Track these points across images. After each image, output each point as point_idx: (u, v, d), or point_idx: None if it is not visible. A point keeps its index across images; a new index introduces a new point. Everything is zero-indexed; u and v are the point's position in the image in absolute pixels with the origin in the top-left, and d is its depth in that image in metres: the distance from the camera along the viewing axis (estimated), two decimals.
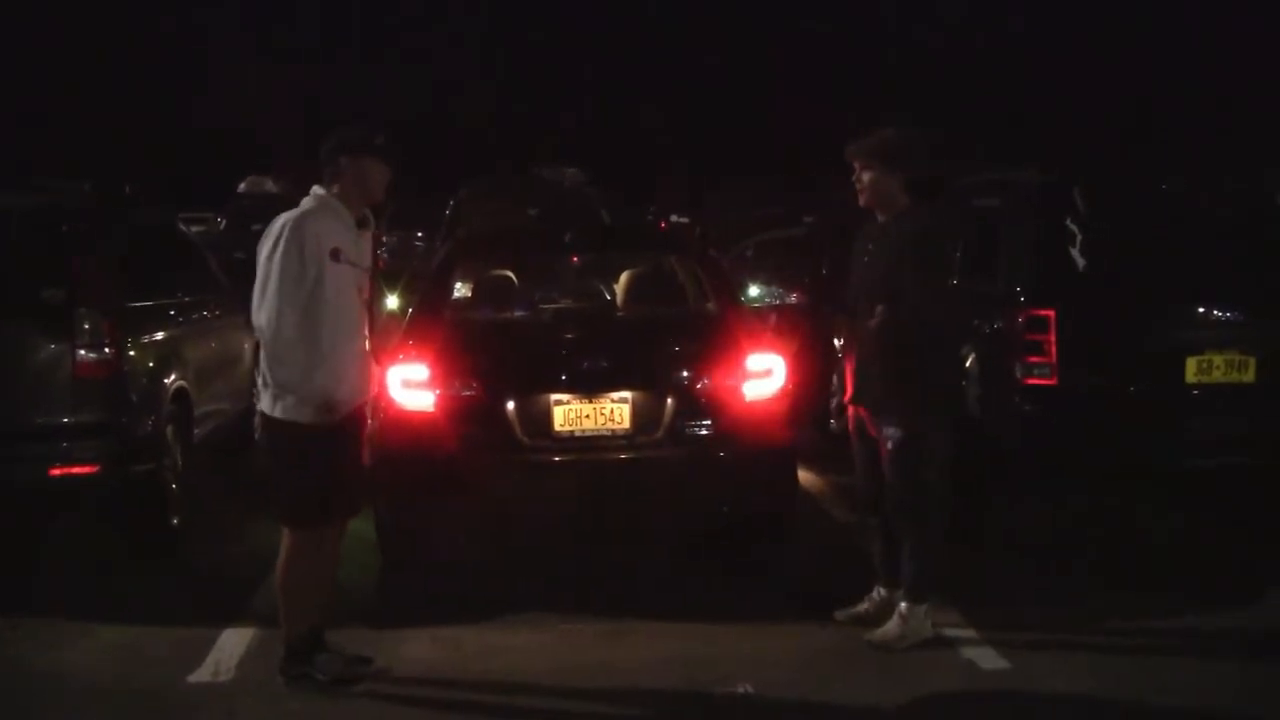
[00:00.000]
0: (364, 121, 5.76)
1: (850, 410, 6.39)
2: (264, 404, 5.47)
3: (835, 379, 6.67)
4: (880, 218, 6.21)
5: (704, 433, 7.01)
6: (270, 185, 22.42)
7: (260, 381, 5.53)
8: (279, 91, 37.84)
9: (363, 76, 41.15)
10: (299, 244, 5.25)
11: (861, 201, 6.23)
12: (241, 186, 23.84)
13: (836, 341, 6.52)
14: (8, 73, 34.59)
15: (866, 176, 6.12)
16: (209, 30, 42.47)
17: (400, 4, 47.09)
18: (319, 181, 5.48)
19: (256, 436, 5.74)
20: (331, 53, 42.27)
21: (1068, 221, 7.72)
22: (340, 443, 5.48)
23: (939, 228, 6.33)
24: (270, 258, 5.26)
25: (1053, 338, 7.45)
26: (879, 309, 6.02)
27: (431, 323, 7.46)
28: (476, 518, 7.04)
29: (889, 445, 6.08)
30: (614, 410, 6.91)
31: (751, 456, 7.00)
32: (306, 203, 5.42)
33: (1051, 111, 32.16)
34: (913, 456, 6.03)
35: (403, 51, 44.77)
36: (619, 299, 8.45)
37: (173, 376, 7.89)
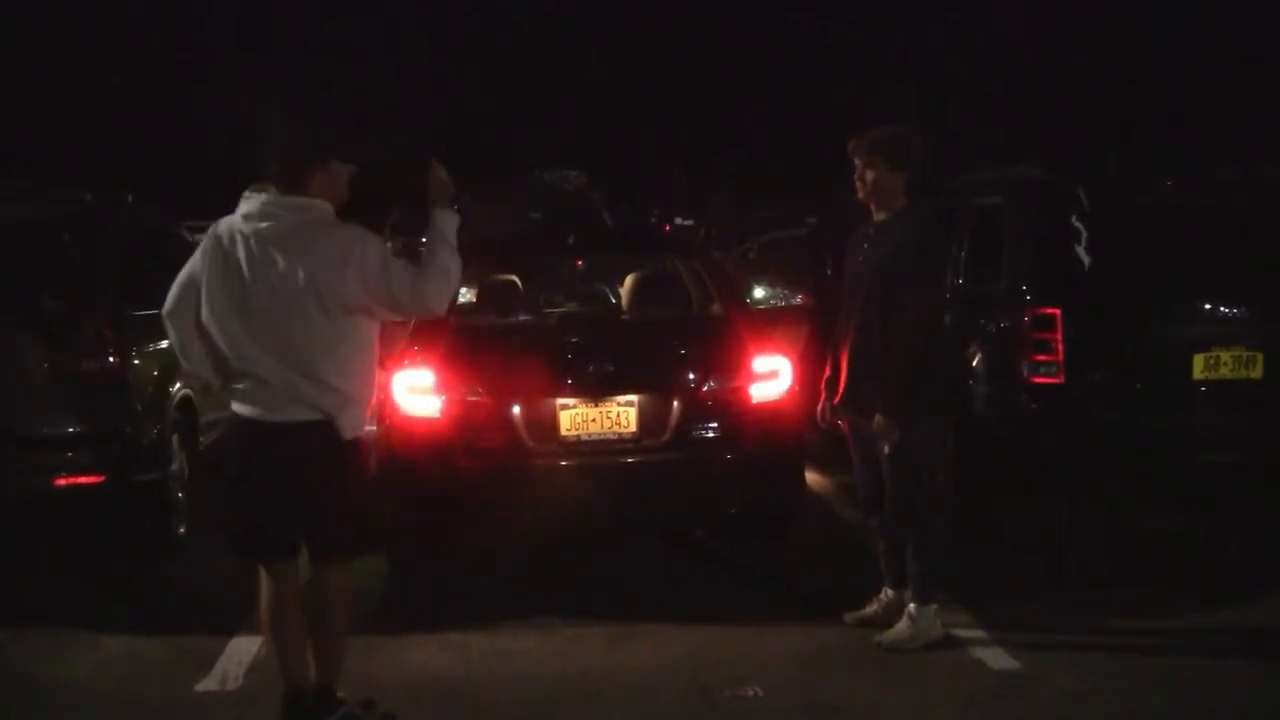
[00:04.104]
0: (316, 119, 5.44)
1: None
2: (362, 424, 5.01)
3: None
4: (877, 216, 6.18)
5: (711, 435, 7.01)
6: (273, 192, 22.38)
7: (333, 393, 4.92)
8: (282, 96, 37.85)
9: (364, 79, 41.12)
10: None
11: (860, 196, 6.21)
12: (246, 194, 23.83)
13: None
14: (15, 77, 34.60)
15: (870, 174, 6.09)
16: (212, 35, 42.49)
17: (400, 5, 47.07)
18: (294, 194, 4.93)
19: None
20: (333, 57, 42.24)
21: (1073, 219, 7.70)
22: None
23: (938, 228, 6.31)
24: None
25: (1059, 336, 7.44)
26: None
27: (436, 328, 7.43)
28: (483, 522, 7.04)
29: (886, 449, 6.05)
30: (620, 414, 6.90)
31: (758, 459, 7.01)
32: (322, 224, 4.91)
33: (1051, 110, 32.12)
34: (911, 458, 6.01)
35: (404, 53, 44.76)
36: (624, 302, 8.44)
37: (177, 385, 7.88)
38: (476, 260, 9.26)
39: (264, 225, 4.85)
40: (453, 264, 5.02)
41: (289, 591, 5.06)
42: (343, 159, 5.02)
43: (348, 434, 4.91)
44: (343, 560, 5.09)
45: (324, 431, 4.87)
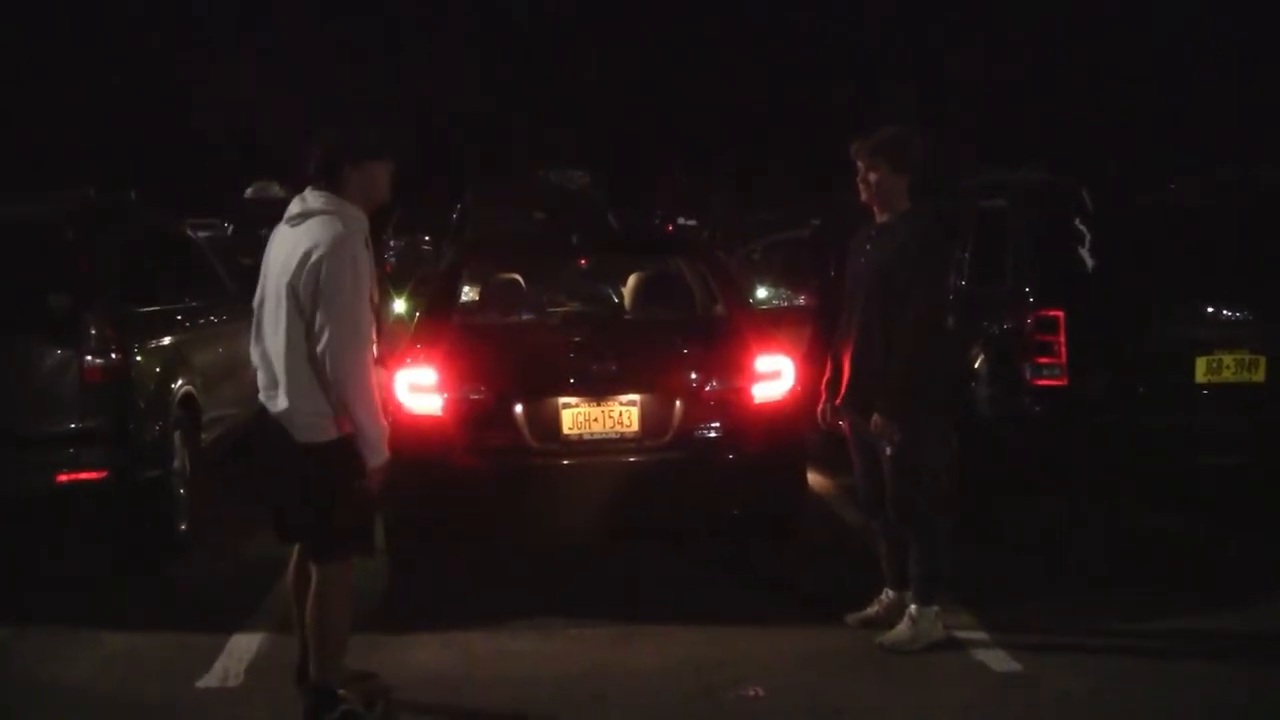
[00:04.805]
0: (354, 122, 5.55)
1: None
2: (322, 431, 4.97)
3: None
4: (880, 217, 6.18)
5: (713, 435, 7.00)
6: (277, 190, 22.41)
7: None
8: (281, 95, 37.88)
9: (363, 78, 41.17)
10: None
11: (863, 198, 6.20)
12: (248, 192, 23.89)
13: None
14: (15, 77, 34.60)
15: (873, 176, 6.08)
16: (211, 32, 42.54)
17: (400, 4, 47.11)
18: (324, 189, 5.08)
19: None
20: (332, 56, 42.28)
21: (1076, 221, 7.71)
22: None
23: (939, 229, 6.31)
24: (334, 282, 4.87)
25: (1062, 338, 7.44)
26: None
27: (439, 327, 7.45)
28: (485, 521, 7.03)
29: (888, 450, 6.05)
30: (623, 413, 6.90)
31: (760, 459, 6.99)
32: (332, 218, 4.97)
33: (1051, 110, 32.15)
34: (912, 460, 6.01)
35: (405, 53, 44.80)
36: (627, 302, 8.44)
37: (180, 382, 7.88)
38: (480, 259, 9.32)
39: (289, 215, 5.07)
40: (355, 396, 4.90)
41: (303, 572, 5.24)
42: (374, 156, 5.12)
43: (300, 436, 4.96)
44: (321, 559, 5.13)
45: (278, 425, 5.01)
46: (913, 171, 6.08)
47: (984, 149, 24.64)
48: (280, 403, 4.95)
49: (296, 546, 5.35)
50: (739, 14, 42.52)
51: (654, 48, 42.85)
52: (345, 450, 4.99)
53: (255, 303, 5.17)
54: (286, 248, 4.99)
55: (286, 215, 5.08)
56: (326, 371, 4.87)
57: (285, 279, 4.91)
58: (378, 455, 5.00)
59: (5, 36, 35.13)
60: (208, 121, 37.81)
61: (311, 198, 5.04)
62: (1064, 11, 35.11)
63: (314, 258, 4.85)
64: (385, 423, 5.04)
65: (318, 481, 5.00)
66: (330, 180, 5.05)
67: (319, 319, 4.85)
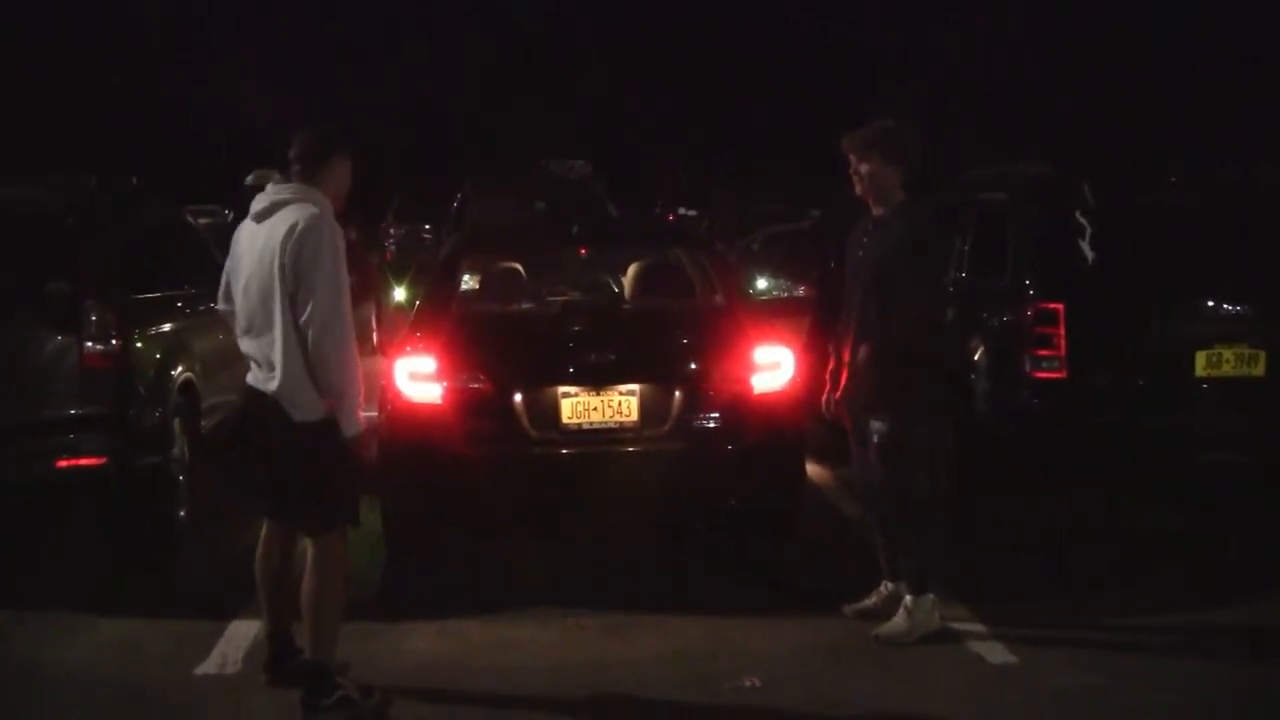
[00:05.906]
0: (330, 119, 5.72)
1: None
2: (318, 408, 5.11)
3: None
4: (876, 210, 6.17)
5: (712, 426, 6.99)
6: (277, 178, 22.36)
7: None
8: (281, 95, 37.81)
9: (362, 72, 41.14)
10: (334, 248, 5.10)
11: (858, 191, 6.19)
12: (248, 180, 23.82)
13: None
14: (15, 69, 34.56)
15: (864, 168, 6.07)
16: (210, 32, 42.49)
17: (400, 4, 47.03)
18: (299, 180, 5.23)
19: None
20: (330, 48, 42.23)
21: (1077, 214, 7.71)
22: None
23: (937, 224, 6.30)
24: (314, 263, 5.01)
25: (1062, 331, 7.44)
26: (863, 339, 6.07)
27: (439, 315, 7.44)
28: (483, 510, 7.03)
29: (875, 440, 6.05)
30: (622, 403, 6.89)
31: (759, 450, 6.99)
32: (304, 204, 5.12)
33: (1050, 110, 32.14)
34: (900, 451, 6.00)
35: (405, 46, 44.75)
36: (626, 292, 8.44)
37: (179, 368, 7.88)
38: (480, 248, 9.31)
39: (258, 207, 5.22)
40: (337, 364, 5.04)
41: (273, 544, 5.44)
42: (347, 149, 5.35)
43: (296, 415, 5.09)
44: (317, 532, 5.21)
45: (275, 406, 5.12)
46: (905, 162, 6.08)
47: (984, 149, 24.63)
48: (277, 382, 5.07)
49: (264, 533, 5.45)
50: (739, 14, 42.48)
51: (654, 47, 42.83)
52: (325, 430, 5.15)
53: (222, 298, 5.41)
54: (260, 241, 5.13)
55: (252, 212, 5.23)
56: (309, 343, 5.01)
57: (273, 264, 5.03)
58: (353, 426, 5.12)
59: (5, 36, 35.07)
60: (207, 121, 37.77)
61: (276, 190, 5.22)
62: (1064, 11, 35.11)
63: (295, 236, 5.00)
64: (362, 399, 5.17)
65: (315, 456, 5.12)
66: (311, 172, 5.22)
67: (302, 294, 5.00)
